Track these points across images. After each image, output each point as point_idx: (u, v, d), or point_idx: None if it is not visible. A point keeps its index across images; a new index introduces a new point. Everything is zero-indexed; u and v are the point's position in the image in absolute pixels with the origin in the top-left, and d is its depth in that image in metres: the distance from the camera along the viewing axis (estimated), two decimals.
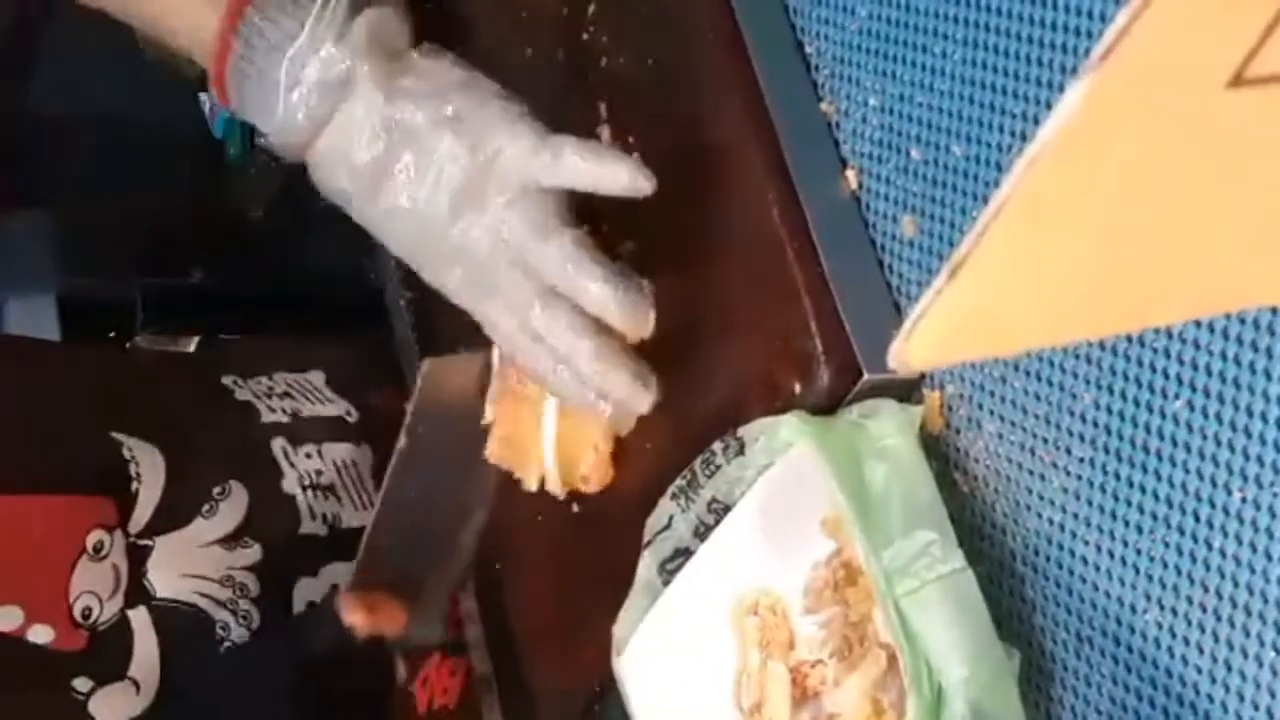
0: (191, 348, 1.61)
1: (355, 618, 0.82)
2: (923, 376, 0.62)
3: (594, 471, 0.74)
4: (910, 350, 0.31)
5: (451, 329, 0.76)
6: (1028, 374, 0.57)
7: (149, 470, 0.81)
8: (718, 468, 0.64)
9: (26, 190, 1.46)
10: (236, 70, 0.69)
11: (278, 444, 0.90)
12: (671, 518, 0.67)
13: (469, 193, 0.66)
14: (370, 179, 0.68)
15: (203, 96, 1.22)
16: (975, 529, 0.61)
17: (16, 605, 0.73)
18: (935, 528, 0.58)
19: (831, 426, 0.61)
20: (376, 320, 1.03)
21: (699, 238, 0.68)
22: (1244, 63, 0.27)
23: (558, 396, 0.71)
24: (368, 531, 0.83)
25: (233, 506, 0.85)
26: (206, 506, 0.84)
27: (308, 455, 0.91)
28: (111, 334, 1.59)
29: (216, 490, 0.85)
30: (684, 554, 0.66)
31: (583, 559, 0.79)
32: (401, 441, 0.79)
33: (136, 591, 0.79)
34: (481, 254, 0.66)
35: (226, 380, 0.94)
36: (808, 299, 0.62)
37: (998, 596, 0.60)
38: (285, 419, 0.93)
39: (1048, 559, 0.58)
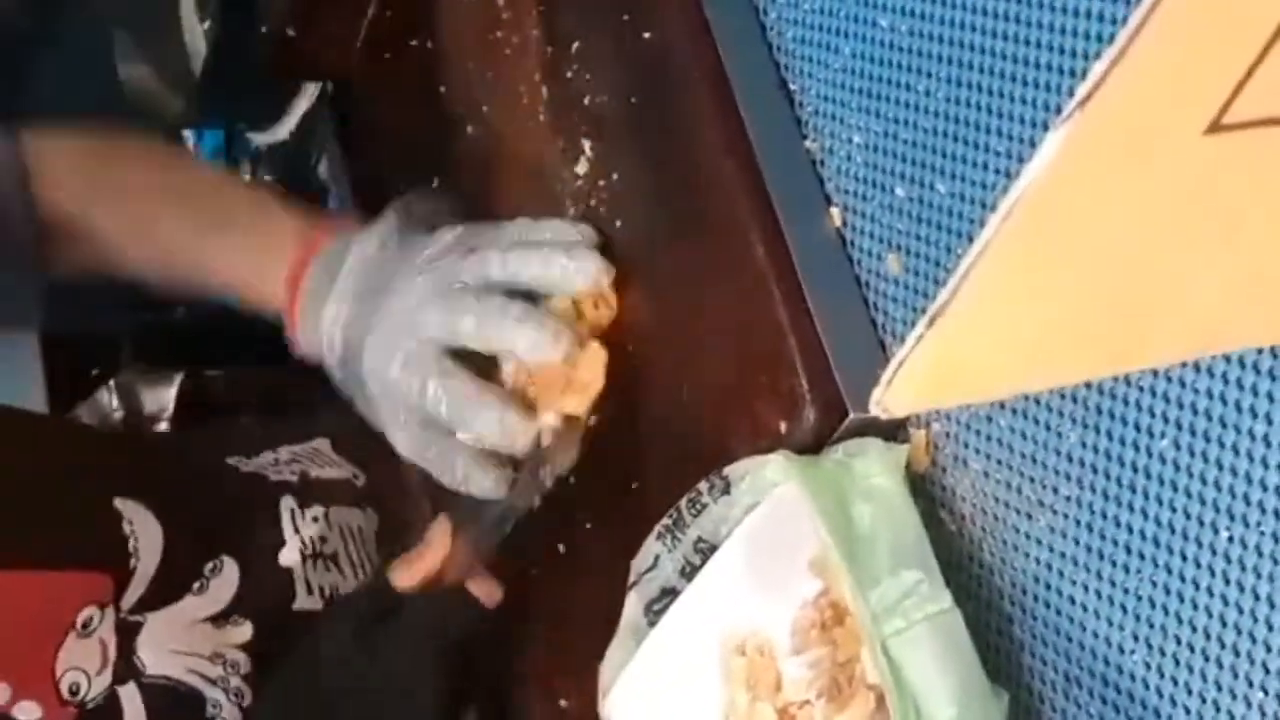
0: (176, 383, 1.60)
1: (406, 578, 0.76)
2: (908, 415, 0.62)
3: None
4: (892, 397, 0.31)
5: None
6: (1014, 412, 0.57)
7: (146, 541, 0.80)
8: (704, 507, 0.64)
9: None
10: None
11: (286, 503, 0.89)
12: (658, 557, 0.66)
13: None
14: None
15: (185, 134, 1.22)
16: (962, 568, 0.61)
17: (3, 682, 0.72)
18: (922, 567, 0.58)
19: (817, 465, 0.61)
20: None
21: (683, 277, 0.68)
22: (1221, 109, 0.27)
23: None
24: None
25: (224, 583, 0.84)
26: (198, 584, 0.83)
27: (314, 519, 0.90)
28: (95, 371, 1.58)
29: (209, 567, 0.84)
30: (670, 594, 0.65)
31: (569, 600, 0.78)
32: None
33: (126, 667, 0.78)
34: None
35: (231, 460, 0.94)
36: (793, 338, 0.62)
37: (985, 636, 0.59)
38: (294, 479, 0.92)
39: (1035, 598, 0.57)
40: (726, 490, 0.63)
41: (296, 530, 0.88)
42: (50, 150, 0.85)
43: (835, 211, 0.65)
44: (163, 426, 1.60)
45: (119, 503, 0.80)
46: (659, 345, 0.70)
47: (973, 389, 0.32)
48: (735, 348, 0.65)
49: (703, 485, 0.64)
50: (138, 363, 1.58)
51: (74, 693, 0.75)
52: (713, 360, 0.67)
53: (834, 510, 0.59)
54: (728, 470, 0.63)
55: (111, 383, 1.61)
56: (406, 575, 0.76)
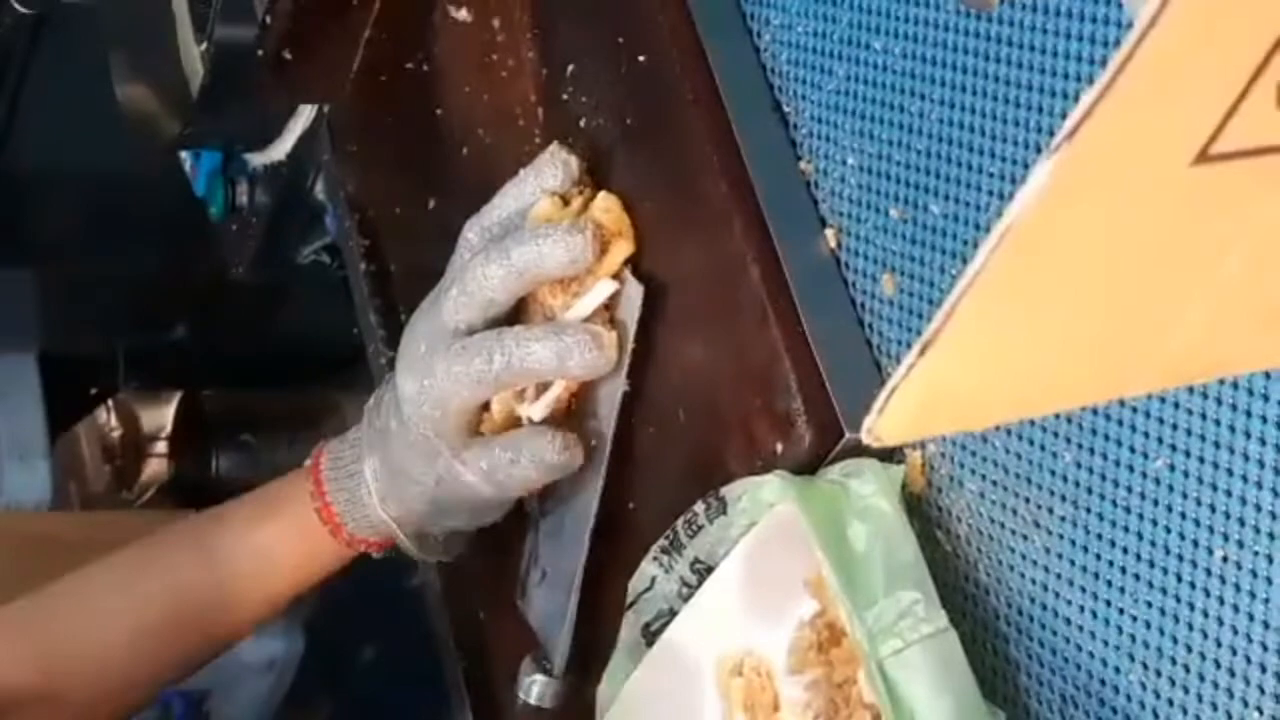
0: (174, 402, 1.61)
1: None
2: None
3: None
4: (883, 426, 0.31)
5: None
6: (1008, 433, 0.57)
7: None
8: (700, 528, 0.64)
9: (7, 249, 1.46)
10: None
11: None
12: (654, 579, 0.66)
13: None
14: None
15: (183, 154, 1.22)
16: (958, 589, 0.61)
17: None
18: (918, 588, 0.58)
19: (813, 486, 0.61)
20: (357, 377, 1.03)
21: (678, 298, 0.68)
22: (1209, 140, 0.27)
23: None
24: None
25: None
26: None
27: None
28: (93, 390, 1.58)
29: None
30: (667, 615, 0.66)
31: None
32: None
33: None
34: None
35: None
36: (788, 359, 0.62)
37: (981, 656, 0.59)
38: None
39: (1031, 619, 0.57)
40: (723, 511, 0.63)
41: None
42: None
43: (830, 233, 0.66)
44: (161, 446, 1.61)
45: None
46: (654, 367, 0.70)
47: (964, 418, 0.32)
48: (731, 369, 0.65)
49: (699, 506, 0.64)
50: (134, 383, 1.59)
51: None
52: (708, 381, 0.67)
53: (830, 531, 0.59)
54: (724, 491, 0.63)
55: (110, 402, 1.61)
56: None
